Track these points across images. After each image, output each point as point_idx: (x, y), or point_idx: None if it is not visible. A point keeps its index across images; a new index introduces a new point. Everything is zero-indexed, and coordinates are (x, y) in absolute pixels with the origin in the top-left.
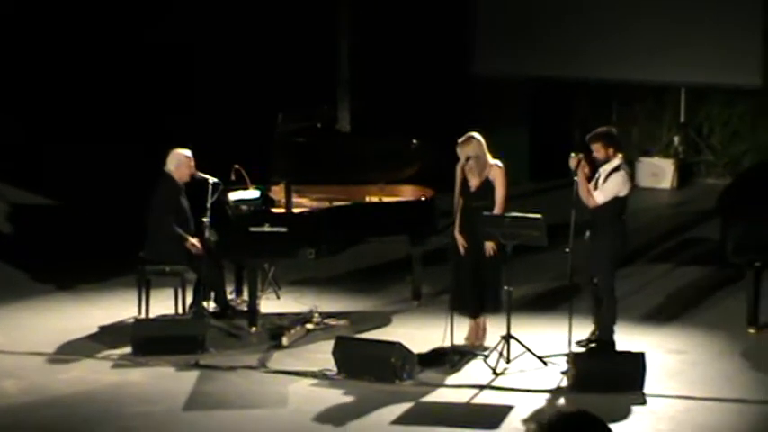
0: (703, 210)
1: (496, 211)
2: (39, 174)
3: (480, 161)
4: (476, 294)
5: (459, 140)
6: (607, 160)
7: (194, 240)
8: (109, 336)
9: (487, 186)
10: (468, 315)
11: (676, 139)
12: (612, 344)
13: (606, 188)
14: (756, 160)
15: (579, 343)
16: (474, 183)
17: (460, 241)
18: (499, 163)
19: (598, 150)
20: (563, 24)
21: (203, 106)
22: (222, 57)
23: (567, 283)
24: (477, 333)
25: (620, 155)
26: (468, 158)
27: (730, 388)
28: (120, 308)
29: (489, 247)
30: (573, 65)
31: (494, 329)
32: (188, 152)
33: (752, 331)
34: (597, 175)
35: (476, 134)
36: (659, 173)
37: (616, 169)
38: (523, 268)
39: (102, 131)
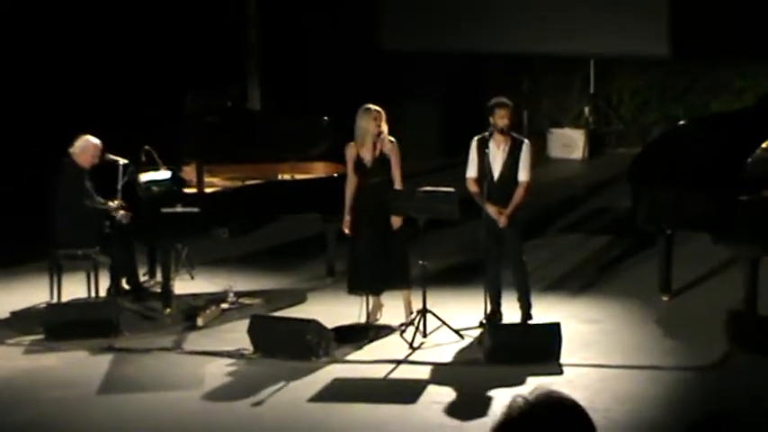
0: (615, 179)
1: (398, 186)
2: None
3: (382, 135)
4: (380, 271)
5: (371, 111)
6: (507, 129)
7: (115, 205)
8: (21, 321)
9: (383, 161)
10: (372, 293)
11: (586, 109)
12: (530, 316)
13: (526, 165)
14: (666, 129)
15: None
16: (369, 158)
17: (347, 223)
18: (393, 139)
19: (503, 117)
20: None
21: (110, 86)
22: (128, 34)
23: (480, 256)
24: (380, 310)
25: None
26: (379, 132)
27: (645, 355)
28: (31, 293)
29: (397, 221)
30: (482, 38)
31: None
32: (97, 141)
33: (665, 298)
34: (486, 147)
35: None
36: (570, 143)
37: (518, 141)
38: (437, 242)
39: (6, 114)
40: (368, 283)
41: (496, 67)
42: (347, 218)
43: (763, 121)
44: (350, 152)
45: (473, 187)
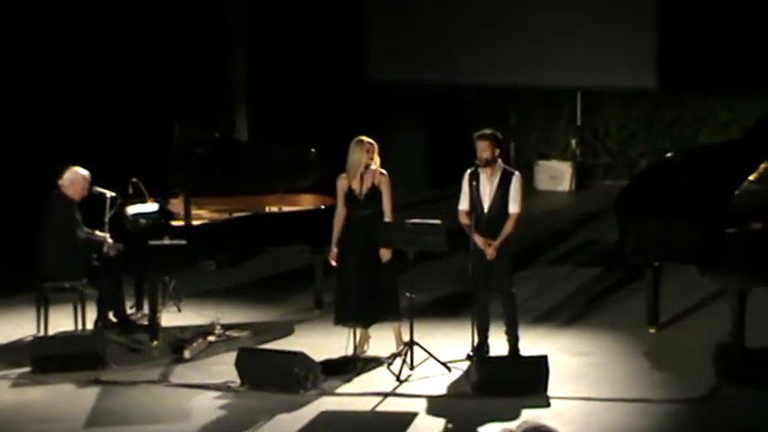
0: (602, 211)
1: (388, 219)
2: None
3: (371, 167)
4: (369, 303)
5: (364, 143)
6: (492, 161)
7: (104, 235)
8: (7, 354)
9: (375, 194)
10: (361, 325)
11: (573, 141)
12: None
13: (517, 197)
14: (653, 161)
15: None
16: (360, 190)
17: (333, 255)
18: (386, 172)
19: (485, 149)
20: (457, 30)
21: (98, 117)
22: (115, 66)
23: (468, 288)
24: (367, 342)
25: (500, 159)
26: (367, 165)
27: (634, 388)
28: (18, 326)
29: (386, 254)
30: (468, 70)
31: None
32: (86, 173)
33: (653, 331)
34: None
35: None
36: (557, 175)
37: (509, 173)
38: (424, 274)
39: None
40: (356, 315)
41: (483, 99)
42: (334, 249)
43: (750, 153)
44: (341, 183)
45: (464, 219)
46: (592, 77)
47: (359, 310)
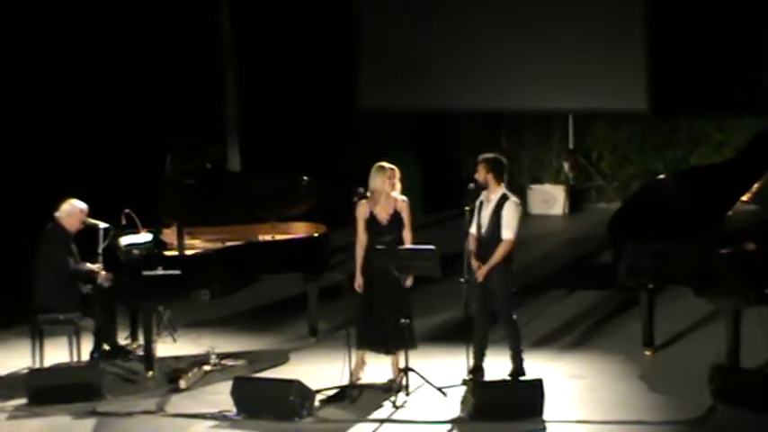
0: (595, 234)
1: (407, 243)
2: None
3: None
4: (395, 331)
5: (385, 170)
6: (485, 185)
7: (95, 267)
8: (3, 387)
9: (396, 220)
10: (384, 352)
11: (566, 165)
12: (522, 372)
13: (509, 224)
14: (646, 183)
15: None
16: (382, 216)
17: (360, 282)
18: (405, 198)
19: (479, 173)
20: (447, 57)
21: (89, 150)
22: (107, 99)
23: (462, 313)
24: (363, 368)
25: (502, 184)
26: (388, 192)
27: (630, 410)
28: (13, 358)
29: (409, 280)
30: (459, 96)
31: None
32: (84, 205)
33: (648, 353)
34: (479, 202)
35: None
36: (550, 199)
37: (504, 199)
38: (418, 299)
39: None
40: (382, 343)
41: (475, 123)
42: (359, 277)
43: (743, 173)
44: (361, 210)
45: (469, 242)
46: (583, 100)
47: (384, 337)
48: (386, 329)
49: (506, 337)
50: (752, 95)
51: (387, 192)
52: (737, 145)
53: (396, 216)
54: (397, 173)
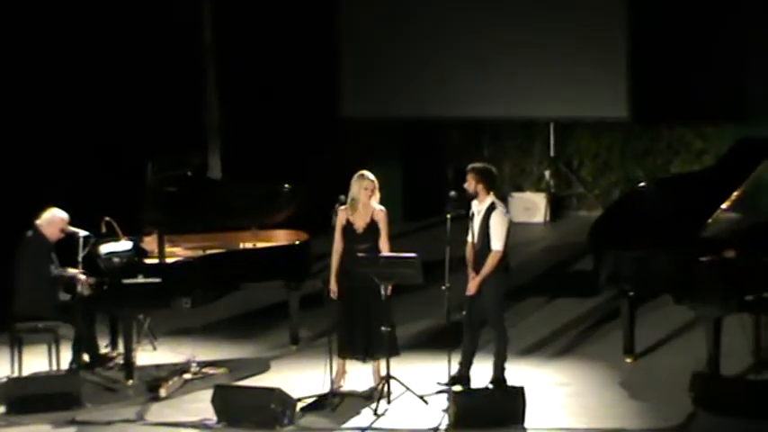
0: (576, 242)
1: (384, 253)
2: None
3: (372, 201)
4: (375, 338)
5: (364, 179)
6: (474, 195)
7: (75, 271)
8: None
9: (373, 229)
10: (363, 360)
11: (547, 173)
12: (503, 380)
13: (496, 234)
14: (626, 190)
15: (442, 383)
16: (358, 224)
17: (334, 288)
18: (383, 208)
19: (469, 182)
20: (429, 65)
21: (69, 157)
22: (89, 105)
23: (444, 321)
24: (343, 376)
25: (491, 193)
26: (366, 201)
27: (611, 417)
28: None
29: (389, 287)
30: (441, 104)
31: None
32: (64, 215)
33: (629, 359)
34: (471, 213)
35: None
36: (531, 207)
37: (492, 208)
38: (400, 307)
39: None
40: (364, 350)
41: (457, 131)
42: (334, 283)
43: (723, 182)
44: (339, 217)
45: (467, 251)
46: (564, 108)
47: (367, 345)
48: (367, 337)
49: (493, 343)
50: (732, 103)
51: (363, 201)
52: (718, 153)
53: (372, 225)
54: (377, 183)
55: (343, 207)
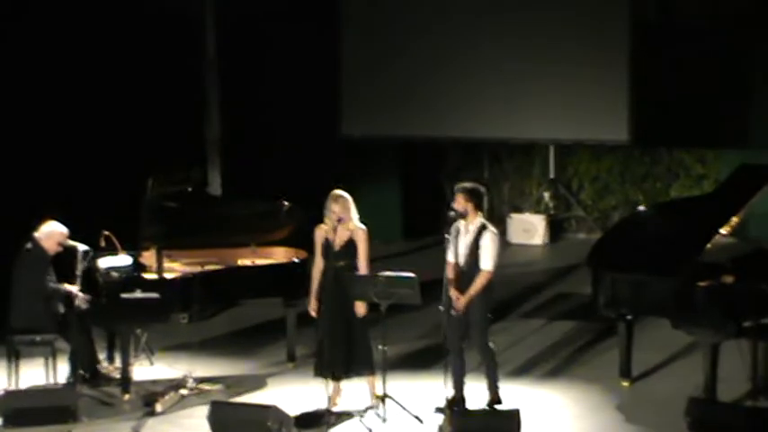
0: (575, 265)
1: (362, 272)
2: None
3: (345, 220)
4: (341, 356)
5: (333, 196)
6: (464, 214)
7: (71, 288)
8: None
9: (350, 246)
10: (333, 378)
11: (546, 194)
12: (499, 401)
13: (488, 254)
14: (626, 214)
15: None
16: (336, 242)
17: (314, 306)
18: (363, 227)
19: (458, 202)
20: (430, 85)
21: (71, 171)
22: (89, 118)
23: (441, 340)
24: (339, 395)
25: (480, 213)
26: (339, 219)
27: None
28: None
29: (361, 307)
30: (441, 124)
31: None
32: (64, 229)
33: (625, 384)
34: (452, 232)
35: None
36: (530, 228)
37: (483, 228)
38: (397, 326)
39: None
40: (329, 367)
41: (457, 151)
42: (313, 301)
43: (722, 207)
44: (318, 234)
45: (448, 271)
46: (565, 131)
47: (331, 362)
48: (334, 355)
49: (483, 366)
50: (733, 129)
51: (338, 218)
52: (718, 178)
53: (350, 243)
54: (348, 200)
55: (322, 225)
